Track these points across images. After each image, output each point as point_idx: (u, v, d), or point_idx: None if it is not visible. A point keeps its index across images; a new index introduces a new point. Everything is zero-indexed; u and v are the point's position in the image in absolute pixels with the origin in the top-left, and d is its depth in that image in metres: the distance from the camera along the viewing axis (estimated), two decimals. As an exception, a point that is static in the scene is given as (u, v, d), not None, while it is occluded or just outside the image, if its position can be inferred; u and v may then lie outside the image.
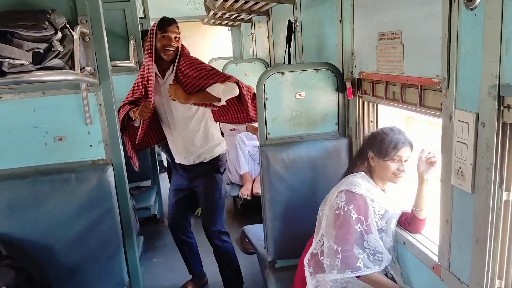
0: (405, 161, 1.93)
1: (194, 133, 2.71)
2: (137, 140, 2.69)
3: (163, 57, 2.56)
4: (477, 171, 1.36)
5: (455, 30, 1.40)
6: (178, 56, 2.57)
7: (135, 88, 2.67)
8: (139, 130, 2.64)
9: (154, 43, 2.54)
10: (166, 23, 2.52)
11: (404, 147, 1.91)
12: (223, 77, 2.58)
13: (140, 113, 2.52)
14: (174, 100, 2.52)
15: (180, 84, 2.55)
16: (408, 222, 1.99)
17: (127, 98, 2.70)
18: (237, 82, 2.61)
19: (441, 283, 1.64)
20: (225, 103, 2.63)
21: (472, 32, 1.33)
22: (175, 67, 2.56)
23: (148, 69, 2.56)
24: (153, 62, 2.57)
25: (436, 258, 1.69)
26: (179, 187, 2.92)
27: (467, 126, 1.37)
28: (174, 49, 2.54)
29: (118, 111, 2.54)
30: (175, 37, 2.54)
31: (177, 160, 2.86)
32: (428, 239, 1.88)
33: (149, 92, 2.57)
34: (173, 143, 2.80)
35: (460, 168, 1.43)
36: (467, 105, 1.39)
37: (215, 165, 2.81)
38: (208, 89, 2.55)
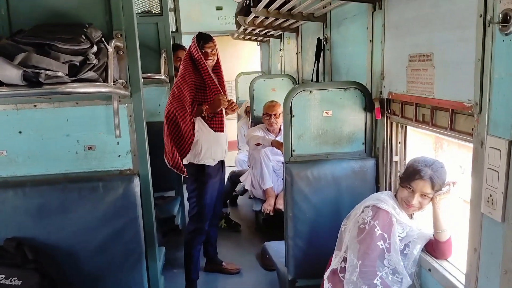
0: (422, 195, 1.89)
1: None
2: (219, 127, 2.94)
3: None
4: (508, 200, 1.32)
5: (489, 55, 1.38)
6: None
7: (186, 93, 2.77)
8: (218, 118, 2.90)
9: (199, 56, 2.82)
10: (203, 40, 2.85)
11: (419, 180, 1.87)
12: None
13: (217, 104, 2.80)
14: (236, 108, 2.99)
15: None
16: (433, 248, 1.94)
17: (183, 106, 2.75)
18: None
19: (467, 313, 1.59)
20: None
21: (507, 57, 1.30)
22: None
23: (210, 75, 2.86)
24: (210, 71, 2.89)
25: (462, 287, 1.64)
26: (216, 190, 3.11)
27: (499, 153, 1.34)
28: (212, 61, 2.89)
29: (172, 120, 2.74)
30: (212, 51, 2.87)
31: (215, 160, 2.99)
32: (455, 267, 1.83)
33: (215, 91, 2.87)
34: (219, 144, 2.97)
35: (490, 196, 1.39)
36: (499, 131, 1.35)
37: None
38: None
